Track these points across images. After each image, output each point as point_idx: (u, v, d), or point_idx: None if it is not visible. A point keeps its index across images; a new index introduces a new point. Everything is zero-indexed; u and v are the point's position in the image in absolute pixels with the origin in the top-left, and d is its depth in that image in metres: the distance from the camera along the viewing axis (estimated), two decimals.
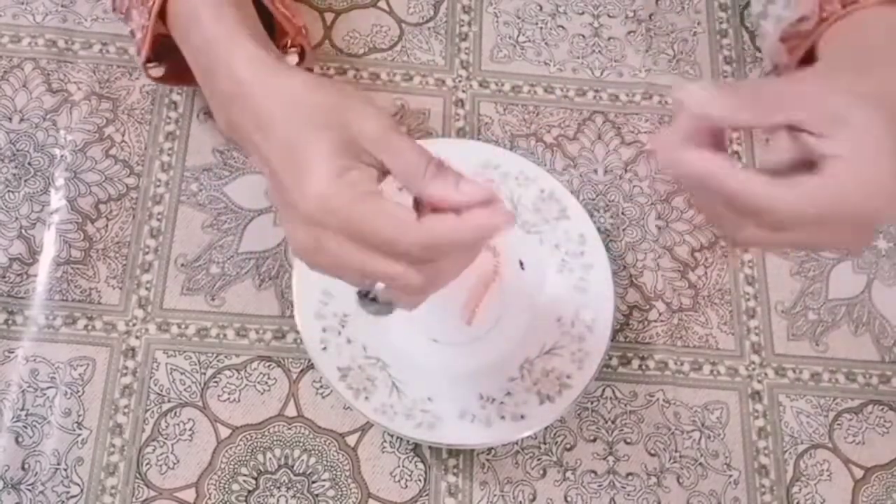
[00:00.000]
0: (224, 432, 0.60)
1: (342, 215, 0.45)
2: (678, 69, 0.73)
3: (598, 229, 0.65)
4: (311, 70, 0.67)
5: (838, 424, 0.63)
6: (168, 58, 0.61)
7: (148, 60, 0.60)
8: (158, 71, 0.62)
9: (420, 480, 0.60)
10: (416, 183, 0.46)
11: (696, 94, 0.45)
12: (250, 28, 0.53)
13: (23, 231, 0.63)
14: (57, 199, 0.64)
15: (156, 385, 0.60)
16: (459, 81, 0.71)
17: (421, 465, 0.60)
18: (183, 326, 0.62)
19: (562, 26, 0.74)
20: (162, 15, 0.56)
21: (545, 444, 0.61)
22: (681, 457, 0.61)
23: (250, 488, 0.58)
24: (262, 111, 0.48)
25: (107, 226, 0.64)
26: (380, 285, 0.47)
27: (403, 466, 0.60)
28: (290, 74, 0.49)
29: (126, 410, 0.60)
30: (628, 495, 0.60)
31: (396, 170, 0.46)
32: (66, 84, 0.68)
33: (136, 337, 0.62)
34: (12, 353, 0.60)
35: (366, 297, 0.49)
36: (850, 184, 0.43)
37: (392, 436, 0.60)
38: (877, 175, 0.43)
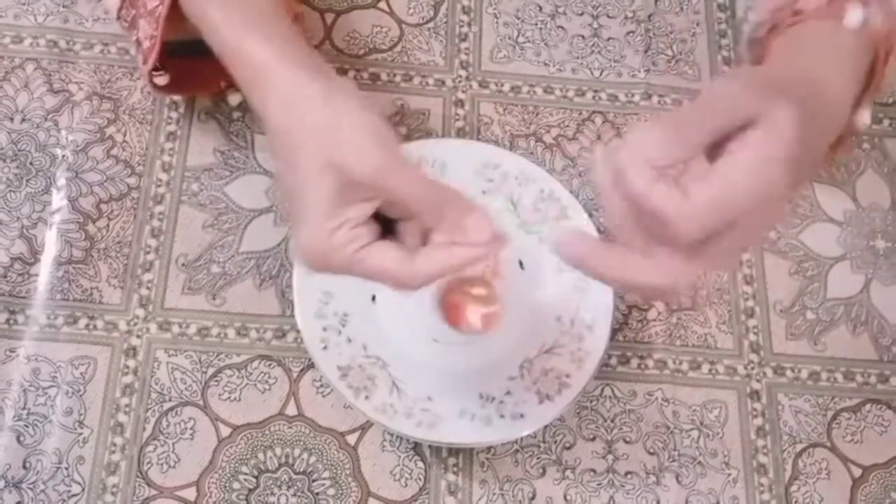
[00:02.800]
0: (225, 431, 0.60)
1: (338, 268, 0.47)
2: (677, 69, 0.73)
3: (598, 229, 0.65)
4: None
5: (837, 423, 0.64)
6: (171, 65, 0.61)
7: (154, 69, 0.60)
8: (163, 80, 0.62)
9: (420, 479, 0.60)
10: (425, 219, 0.48)
11: (629, 148, 0.44)
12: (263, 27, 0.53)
13: (24, 231, 0.64)
14: (58, 199, 0.65)
15: (157, 384, 0.61)
16: (459, 82, 0.71)
17: (421, 464, 0.60)
18: (184, 326, 0.62)
19: (561, 27, 0.74)
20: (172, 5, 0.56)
21: (544, 442, 0.61)
22: (679, 455, 0.62)
23: (251, 487, 0.59)
24: (269, 117, 0.49)
25: (108, 225, 0.64)
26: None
27: (403, 465, 0.60)
28: (294, 77, 0.49)
29: (127, 409, 0.60)
30: (627, 494, 0.60)
31: (404, 204, 0.47)
32: (67, 84, 0.68)
33: (138, 336, 0.62)
34: (14, 352, 0.60)
35: None
36: (739, 176, 0.43)
37: (392, 435, 0.60)
38: (766, 166, 0.43)
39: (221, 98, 0.68)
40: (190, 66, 0.61)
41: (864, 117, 0.58)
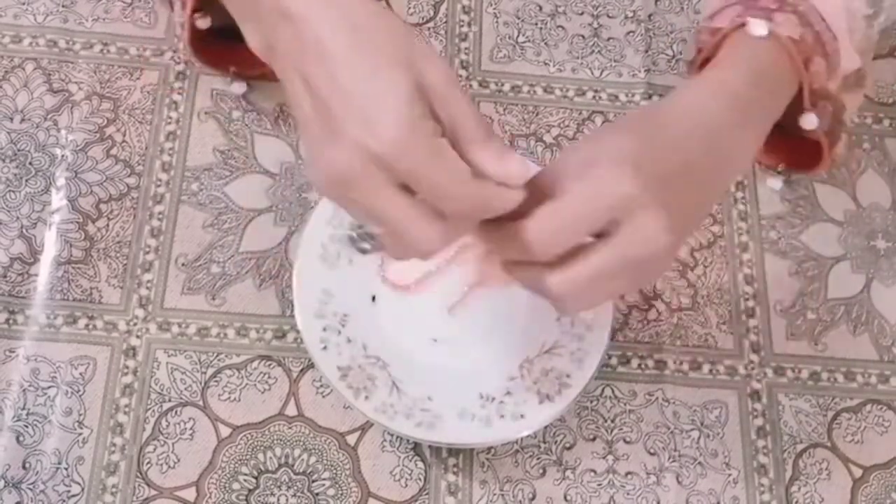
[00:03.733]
0: (224, 431, 0.60)
1: (413, 163, 0.44)
2: (677, 69, 0.73)
3: None
4: None
5: (837, 424, 0.63)
6: (201, 40, 0.61)
7: (196, 11, 0.59)
8: (205, 22, 0.60)
9: (420, 479, 0.60)
10: (470, 142, 0.46)
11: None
12: None
13: (24, 231, 0.64)
14: (58, 199, 0.64)
15: (156, 384, 0.61)
16: (460, 81, 0.71)
17: (421, 465, 0.60)
18: (183, 326, 0.62)
19: (561, 26, 0.74)
20: None
21: (545, 443, 0.61)
22: (680, 456, 0.62)
23: (251, 487, 0.59)
24: (320, 37, 0.46)
25: (108, 225, 0.64)
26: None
27: (403, 465, 0.60)
28: (367, 12, 0.47)
29: (127, 409, 0.60)
30: (627, 494, 0.60)
31: (454, 126, 0.46)
32: (67, 84, 0.68)
33: (137, 336, 0.62)
34: (13, 352, 0.60)
35: (357, 241, 0.51)
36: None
37: (392, 435, 0.60)
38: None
39: (252, 79, 0.68)
40: (212, 43, 0.62)
41: (810, 121, 0.60)
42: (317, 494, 0.59)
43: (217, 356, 0.62)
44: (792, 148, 0.66)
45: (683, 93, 0.54)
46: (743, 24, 0.56)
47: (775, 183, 0.70)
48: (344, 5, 0.47)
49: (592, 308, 0.57)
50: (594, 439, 0.62)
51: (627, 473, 0.61)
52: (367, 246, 0.51)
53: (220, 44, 0.65)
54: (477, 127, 0.46)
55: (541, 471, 0.61)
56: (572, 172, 0.48)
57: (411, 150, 0.44)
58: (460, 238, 0.49)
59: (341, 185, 0.46)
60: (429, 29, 0.73)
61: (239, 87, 0.68)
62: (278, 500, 0.58)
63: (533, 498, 0.60)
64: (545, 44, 0.74)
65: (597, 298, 0.53)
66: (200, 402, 0.60)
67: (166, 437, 0.59)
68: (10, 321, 0.61)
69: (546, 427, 0.61)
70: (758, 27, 0.55)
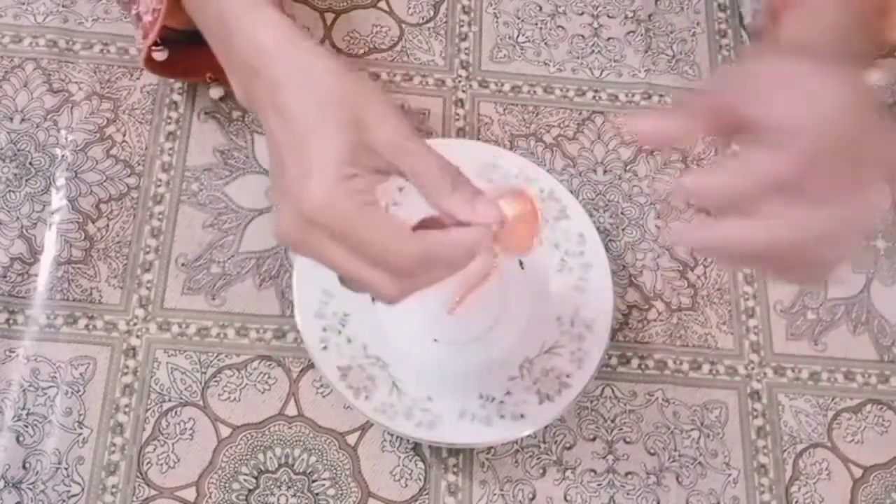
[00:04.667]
0: (224, 431, 0.60)
1: (341, 223, 0.45)
2: (677, 69, 0.73)
3: (598, 229, 0.65)
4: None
5: (837, 424, 0.63)
6: (171, 49, 0.61)
7: (153, 45, 0.59)
8: (162, 55, 0.61)
9: (420, 479, 0.60)
10: (436, 194, 0.46)
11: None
12: None
13: (24, 231, 0.64)
14: (58, 199, 0.64)
15: (156, 384, 0.61)
16: (459, 81, 0.71)
17: (421, 465, 0.60)
18: (183, 326, 0.62)
19: (561, 26, 0.74)
20: None
21: (545, 443, 0.61)
22: (680, 456, 0.62)
23: (251, 487, 0.59)
24: (281, 89, 0.47)
25: (108, 225, 0.64)
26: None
27: (403, 465, 0.60)
28: (312, 51, 0.48)
29: (127, 409, 0.60)
30: (627, 494, 0.60)
31: (416, 178, 0.46)
32: (66, 84, 0.68)
33: (137, 336, 0.62)
34: (13, 352, 0.60)
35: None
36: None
37: (392, 435, 0.60)
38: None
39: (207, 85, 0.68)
40: (185, 50, 0.61)
41: (875, 76, 0.57)
42: (317, 494, 0.59)
43: (217, 356, 0.62)
44: None
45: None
46: None
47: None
48: (304, 64, 0.47)
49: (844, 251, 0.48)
50: (594, 439, 0.62)
51: (627, 473, 0.61)
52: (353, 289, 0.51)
53: (195, 49, 0.61)
54: (441, 176, 0.46)
55: (541, 471, 0.61)
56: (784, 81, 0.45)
57: (337, 210, 0.45)
58: (427, 284, 0.48)
59: (296, 246, 0.47)
60: (429, 29, 0.73)
61: (216, 92, 0.68)
62: (278, 500, 0.58)
63: (533, 498, 0.60)
64: (545, 44, 0.74)
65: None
66: (200, 402, 0.60)
67: (166, 437, 0.59)
68: (10, 321, 0.61)
69: (546, 427, 0.61)
70: None
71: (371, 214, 0.45)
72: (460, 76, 0.71)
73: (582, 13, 0.75)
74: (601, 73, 0.73)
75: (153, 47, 0.60)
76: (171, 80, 0.68)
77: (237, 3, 0.50)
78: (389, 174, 0.47)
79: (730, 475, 0.61)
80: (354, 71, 0.49)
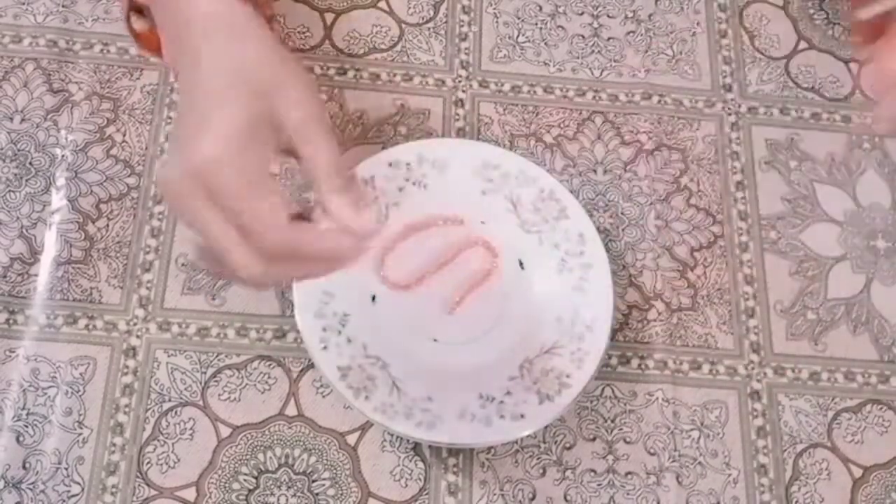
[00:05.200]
0: (224, 431, 0.60)
1: (221, 184, 0.45)
2: (677, 69, 0.73)
3: (598, 229, 0.65)
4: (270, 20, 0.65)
5: (837, 424, 0.63)
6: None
7: (133, 10, 0.59)
8: (141, 24, 0.60)
9: (420, 479, 0.60)
10: (324, 188, 0.47)
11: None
12: None
13: (24, 231, 0.64)
14: (58, 199, 0.64)
15: (156, 384, 0.61)
16: (459, 81, 0.71)
17: (421, 464, 0.60)
18: (183, 326, 0.62)
19: (561, 26, 0.74)
20: None
21: (545, 443, 0.61)
22: (680, 456, 0.62)
23: (251, 487, 0.59)
24: (206, 43, 0.47)
25: (108, 225, 0.64)
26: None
27: (403, 465, 0.60)
28: (249, 20, 0.48)
29: (127, 409, 0.60)
30: (627, 494, 0.60)
31: (311, 168, 0.47)
32: (67, 84, 0.68)
33: (137, 336, 0.62)
34: (13, 352, 0.60)
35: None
36: None
37: (392, 435, 0.60)
38: None
39: None
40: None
41: None
42: (317, 494, 0.59)
43: (217, 356, 0.62)
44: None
45: None
46: None
47: None
48: (235, 28, 0.48)
49: None
50: (594, 439, 0.62)
51: (627, 473, 0.61)
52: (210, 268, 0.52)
53: None
54: (334, 174, 0.47)
55: (541, 471, 0.61)
56: None
57: (221, 170, 0.45)
58: (286, 277, 0.49)
59: (169, 195, 0.47)
60: (429, 29, 0.73)
61: None
62: (278, 500, 0.58)
63: (533, 498, 0.60)
64: (545, 44, 0.74)
65: None
66: (200, 402, 0.60)
67: (166, 437, 0.59)
68: (10, 321, 0.61)
69: (546, 427, 0.61)
70: None
71: (253, 187, 0.45)
72: (460, 76, 0.72)
73: (582, 13, 0.75)
74: (601, 73, 0.73)
75: (132, 12, 0.60)
76: (171, 80, 0.69)
77: None
78: (289, 156, 0.47)
79: (730, 475, 0.61)
80: (287, 52, 0.49)
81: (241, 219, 0.45)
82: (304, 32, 0.72)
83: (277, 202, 0.46)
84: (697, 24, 0.75)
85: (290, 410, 0.61)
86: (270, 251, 0.46)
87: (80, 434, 0.59)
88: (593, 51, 0.73)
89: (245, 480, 0.59)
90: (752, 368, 0.64)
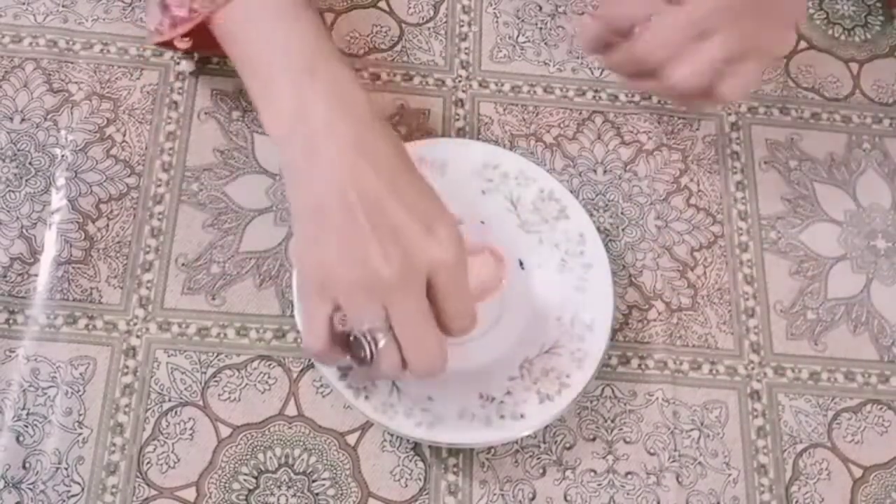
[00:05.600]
0: (225, 431, 0.60)
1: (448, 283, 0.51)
2: None
3: (598, 229, 0.65)
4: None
5: (837, 424, 0.63)
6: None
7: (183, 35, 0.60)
8: (185, 44, 0.61)
9: (420, 479, 0.60)
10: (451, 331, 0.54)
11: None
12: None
13: (24, 231, 0.64)
14: (58, 199, 0.64)
15: (156, 384, 0.61)
16: (459, 81, 0.71)
17: (421, 464, 0.60)
18: (183, 326, 0.62)
19: (561, 26, 0.74)
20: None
21: (545, 443, 0.61)
22: (680, 456, 0.62)
23: (251, 487, 0.59)
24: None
25: (108, 225, 0.64)
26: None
27: (403, 465, 0.60)
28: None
29: (127, 409, 0.60)
30: (628, 494, 0.60)
31: (441, 317, 0.52)
32: (66, 84, 0.68)
33: (137, 336, 0.62)
34: (13, 352, 0.60)
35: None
36: None
37: (392, 435, 0.60)
38: None
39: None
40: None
41: None
42: (317, 494, 0.59)
43: (217, 356, 0.62)
44: None
45: None
46: None
47: None
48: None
49: (745, 85, 0.60)
50: (594, 439, 0.62)
51: (627, 473, 0.61)
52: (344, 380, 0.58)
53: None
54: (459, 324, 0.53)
55: (541, 471, 0.61)
56: None
57: (455, 269, 0.51)
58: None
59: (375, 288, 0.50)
60: (429, 29, 0.73)
61: (188, 65, 0.68)
62: (278, 500, 0.58)
63: (533, 498, 0.60)
64: (545, 44, 0.74)
65: (733, 60, 0.57)
66: (200, 402, 0.60)
67: (166, 437, 0.59)
68: (10, 321, 0.61)
69: (546, 427, 0.61)
70: None
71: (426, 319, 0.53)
72: (460, 76, 0.72)
73: (582, 13, 0.75)
74: (601, 73, 0.73)
75: (182, 36, 0.61)
76: (171, 80, 0.69)
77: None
78: None
79: (730, 475, 0.61)
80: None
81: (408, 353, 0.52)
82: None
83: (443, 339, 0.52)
84: None
85: (290, 410, 0.61)
86: (417, 365, 0.52)
87: (80, 434, 0.59)
88: None
89: (245, 480, 0.59)
90: (752, 368, 0.64)
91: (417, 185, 0.53)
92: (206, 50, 0.66)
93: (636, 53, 0.58)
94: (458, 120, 0.70)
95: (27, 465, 0.58)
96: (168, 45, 0.64)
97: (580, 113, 0.71)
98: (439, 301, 0.51)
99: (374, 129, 0.52)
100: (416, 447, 0.60)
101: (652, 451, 0.62)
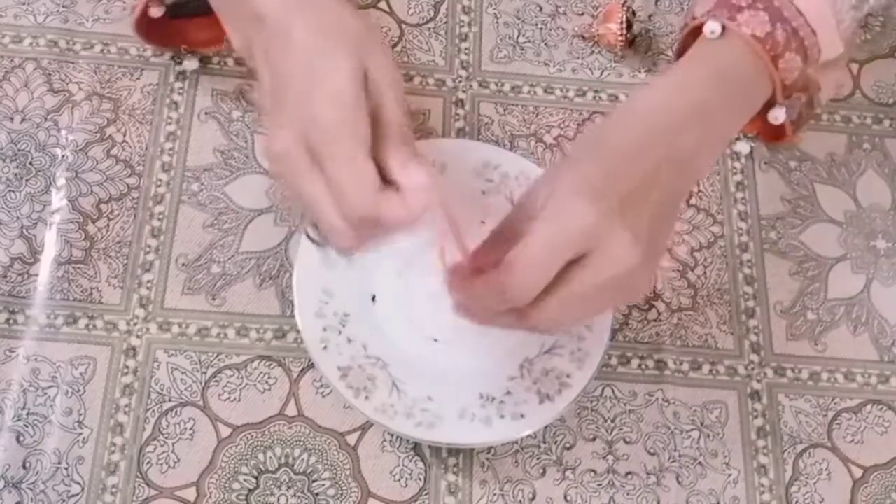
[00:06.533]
0: (225, 431, 0.60)
1: (331, 148, 0.46)
2: None
3: None
4: None
5: (837, 424, 0.63)
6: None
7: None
8: (158, 10, 0.62)
9: (420, 479, 0.60)
10: (383, 143, 0.48)
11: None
12: None
13: (24, 230, 0.64)
14: (58, 199, 0.65)
15: (157, 384, 0.61)
16: (459, 82, 0.71)
17: (421, 464, 0.60)
18: (184, 326, 0.62)
19: (561, 27, 0.74)
20: None
21: (545, 443, 0.61)
22: (680, 456, 0.62)
23: (251, 487, 0.59)
24: (287, 32, 0.48)
25: (108, 225, 0.64)
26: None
27: (403, 465, 0.60)
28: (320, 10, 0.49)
29: (127, 409, 0.60)
30: (627, 494, 0.60)
31: (378, 121, 0.48)
32: (67, 84, 0.68)
33: (137, 336, 0.62)
34: (13, 352, 0.60)
35: (311, 235, 0.54)
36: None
37: (392, 435, 0.60)
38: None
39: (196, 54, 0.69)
40: (166, 21, 0.64)
41: (778, 114, 0.58)
42: (317, 494, 0.59)
43: (217, 356, 0.62)
44: (764, 119, 0.61)
45: (641, 96, 0.52)
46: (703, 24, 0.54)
47: (743, 147, 0.70)
48: (314, 8, 0.49)
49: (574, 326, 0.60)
50: (594, 439, 0.62)
51: (627, 473, 0.61)
52: (318, 239, 0.54)
53: (171, 22, 0.66)
54: (397, 131, 0.48)
55: (541, 471, 0.61)
56: (535, 213, 0.48)
57: (334, 132, 0.46)
58: (373, 242, 0.50)
59: (276, 161, 0.48)
60: (429, 29, 0.73)
61: (190, 64, 0.69)
62: (278, 500, 0.58)
63: (533, 498, 0.60)
64: (545, 44, 0.74)
65: (578, 320, 0.56)
66: (200, 402, 0.60)
67: (166, 437, 0.59)
68: (10, 321, 0.61)
69: (546, 427, 0.61)
70: (711, 27, 0.53)
71: (359, 149, 0.46)
72: (460, 76, 0.72)
73: (582, 13, 0.75)
74: (601, 74, 0.73)
75: (150, 2, 0.62)
76: (171, 80, 0.69)
77: None
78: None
79: (730, 475, 0.61)
80: (370, 20, 0.51)
81: (340, 185, 0.46)
82: None
83: (373, 168, 0.46)
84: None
85: (290, 410, 0.61)
86: (349, 214, 0.47)
87: (80, 434, 0.59)
88: (593, 51, 0.73)
89: (245, 480, 0.59)
90: (752, 369, 0.64)
91: (320, 42, 0.48)
92: (166, 43, 0.67)
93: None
94: (458, 120, 0.70)
95: (27, 464, 0.58)
96: (163, 43, 0.64)
97: (580, 113, 0.71)
98: (375, 98, 0.48)
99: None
100: (416, 447, 0.60)
101: (652, 451, 0.62)
